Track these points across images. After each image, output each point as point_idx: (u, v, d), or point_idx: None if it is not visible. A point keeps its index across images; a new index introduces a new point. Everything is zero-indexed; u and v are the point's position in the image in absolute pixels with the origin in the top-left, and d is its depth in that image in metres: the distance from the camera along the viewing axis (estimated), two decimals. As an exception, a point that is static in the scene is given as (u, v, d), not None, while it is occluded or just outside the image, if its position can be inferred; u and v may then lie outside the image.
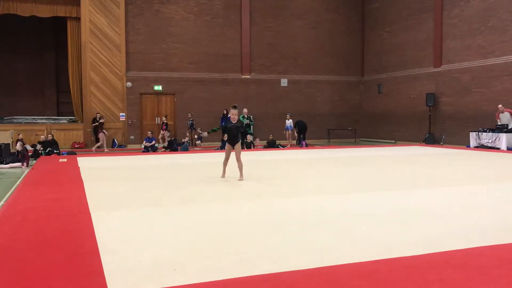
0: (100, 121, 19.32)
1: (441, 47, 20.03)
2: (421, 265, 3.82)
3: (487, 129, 16.96)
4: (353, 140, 24.04)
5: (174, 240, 4.73)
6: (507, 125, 16.31)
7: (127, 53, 21.12)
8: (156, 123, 21.64)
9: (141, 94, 21.63)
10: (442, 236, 4.75)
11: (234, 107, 9.18)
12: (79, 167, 11.67)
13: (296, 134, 20.77)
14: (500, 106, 16.51)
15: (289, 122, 20.72)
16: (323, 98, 24.37)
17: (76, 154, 16.63)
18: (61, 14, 20.74)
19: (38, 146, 16.26)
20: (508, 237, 4.63)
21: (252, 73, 23.11)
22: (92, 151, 18.08)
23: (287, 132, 20.78)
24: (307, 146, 19.83)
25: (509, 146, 15.91)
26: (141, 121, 21.57)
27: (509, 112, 16.33)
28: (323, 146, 20.59)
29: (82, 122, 20.94)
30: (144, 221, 5.59)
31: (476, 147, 16.91)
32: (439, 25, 20.03)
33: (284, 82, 23.66)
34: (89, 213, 5.98)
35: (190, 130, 20.38)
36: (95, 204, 6.60)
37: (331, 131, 23.91)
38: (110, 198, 7.31)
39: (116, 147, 20.24)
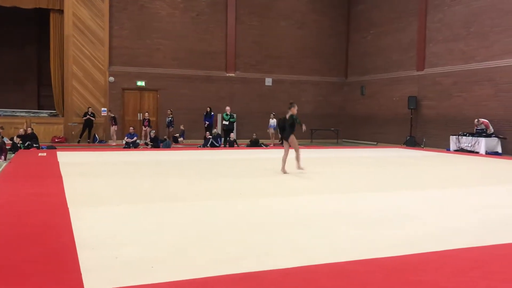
0: (112, 115, 19.73)
1: (424, 51, 20.27)
2: (399, 266, 3.85)
3: (467, 133, 17.22)
4: (336, 141, 24.18)
5: (155, 237, 4.68)
6: (486, 129, 16.58)
7: (110, 47, 20.89)
8: (138, 119, 21.45)
9: (124, 89, 21.42)
10: (421, 238, 4.79)
11: (291, 104, 9.89)
12: (58, 162, 11.49)
13: (279, 134, 20.77)
14: (476, 120, 16.78)
15: (273, 122, 20.73)
16: (307, 98, 24.44)
17: (56, 148, 16.39)
18: (43, 6, 20.40)
19: (17, 139, 15.98)
20: (483, 239, 4.70)
21: (237, 72, 23.07)
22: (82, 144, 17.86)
23: (270, 131, 20.80)
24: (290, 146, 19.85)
25: (488, 151, 16.18)
26: (123, 116, 21.36)
27: (485, 123, 16.61)
28: (305, 146, 20.66)
29: (63, 116, 20.65)
30: (124, 218, 5.53)
31: (456, 151, 17.16)
32: (423, 29, 20.26)
33: (268, 81, 23.68)
34: (68, 209, 5.89)
35: (168, 127, 20.20)
36: (73, 200, 6.51)
37: (314, 132, 23.99)
38: (90, 194, 7.21)
39: (97, 142, 20.01)
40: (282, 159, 9.93)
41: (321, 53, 24.61)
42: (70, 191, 7.23)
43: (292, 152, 9.94)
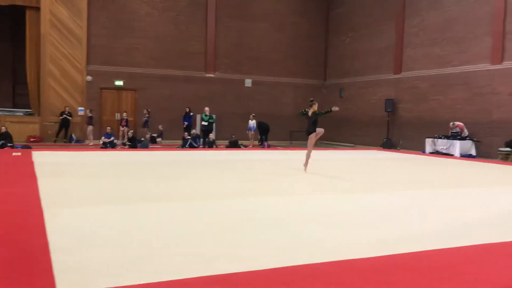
0: (90, 114, 19.41)
1: (401, 54, 20.57)
2: (371, 267, 3.91)
3: (442, 135, 17.55)
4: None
5: (130, 239, 4.66)
6: (461, 132, 16.92)
7: (88, 46, 20.65)
8: (116, 119, 21.24)
9: (102, 88, 21.20)
10: (394, 239, 4.88)
11: (311, 101, 10.28)
12: (33, 162, 11.31)
13: (259, 135, 20.88)
14: (451, 123, 17.12)
15: (253, 123, 20.77)
16: (287, 100, 24.56)
17: (31, 148, 16.11)
18: (19, 3, 20.07)
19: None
20: (453, 241, 4.81)
21: (216, 72, 23.05)
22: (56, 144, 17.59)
23: (249, 132, 20.83)
24: (269, 147, 19.95)
25: (463, 153, 16.51)
26: (100, 116, 21.12)
27: (460, 127, 16.95)
28: (285, 147, 20.76)
29: (39, 115, 20.31)
30: (99, 219, 5.48)
31: (432, 153, 17.47)
32: (400, 34, 20.57)
33: (248, 82, 23.72)
34: (42, 210, 5.81)
35: (143, 127, 20.03)
36: (48, 201, 6.42)
37: (293, 133, 24.11)
38: (65, 194, 7.12)
39: (74, 142, 19.74)
40: (306, 155, 10.26)
41: (301, 55, 24.76)
42: (45, 191, 7.12)
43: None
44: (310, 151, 10.35)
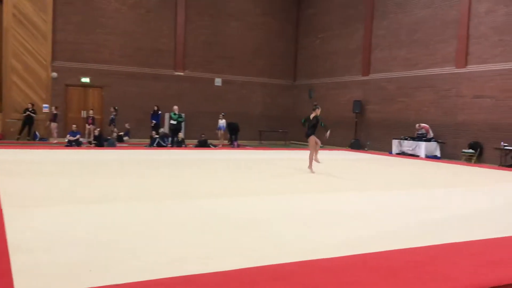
0: (55, 112, 18.93)
1: (369, 56, 20.87)
2: (338, 267, 3.92)
3: (409, 137, 17.89)
4: (284, 142, 24.44)
5: (94, 239, 4.53)
6: (426, 134, 17.29)
7: (54, 42, 20.13)
8: (82, 116, 20.78)
9: (67, 85, 20.69)
10: (362, 239, 4.91)
11: (315, 105, 10.67)
12: (-6, 160, 10.93)
13: (228, 135, 20.81)
14: (417, 125, 17.48)
15: (222, 122, 20.68)
16: (256, 99, 24.59)
17: (-8, 145, 15.58)
18: (-20, -4, 19.39)
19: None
20: (418, 241, 4.88)
21: (186, 71, 22.85)
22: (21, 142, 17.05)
23: (219, 132, 20.72)
24: (238, 146, 19.90)
25: (428, 154, 16.87)
26: (66, 114, 20.61)
27: (425, 128, 17.33)
28: (254, 147, 20.76)
29: (1, 112, 19.66)
30: (62, 219, 5.32)
31: (398, 154, 17.78)
32: (369, 36, 20.86)
33: (218, 81, 23.61)
34: (1, 209, 5.60)
35: (110, 125, 19.63)
36: (8, 200, 6.20)
37: (263, 133, 24.15)
38: (26, 194, 6.89)
39: (38, 140, 19.19)
40: (309, 158, 10.42)
41: (271, 55, 24.82)
42: (5, 190, 6.88)
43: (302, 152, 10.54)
44: (313, 153, 10.57)
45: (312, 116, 10.45)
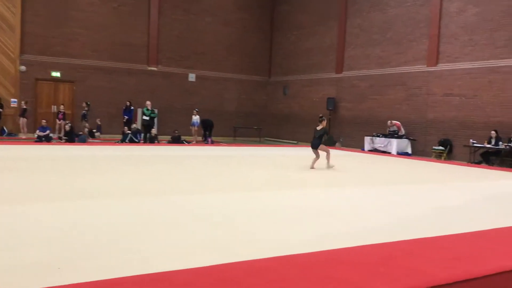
0: (24, 106, 18.43)
1: (343, 54, 21.05)
2: (314, 262, 3.92)
3: (380, 134, 18.13)
4: (258, 139, 24.45)
5: (63, 237, 4.41)
6: (398, 131, 17.55)
7: (22, 34, 19.60)
8: (52, 111, 20.31)
9: (37, 79, 20.19)
10: (335, 234, 4.93)
11: (321, 117, 11.41)
12: (-42, 155, 10.57)
13: (202, 131, 20.67)
14: (389, 122, 17.73)
15: (196, 118, 20.52)
16: (231, 96, 24.50)
17: (-43, 140, 15.07)
18: None
19: None
20: (390, 236, 4.93)
21: (159, 66, 22.59)
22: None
23: (193, 128, 20.56)
24: (212, 142, 19.80)
25: (399, 151, 17.13)
26: (35, 108, 20.12)
27: (397, 125, 17.60)
28: (229, 143, 20.68)
29: (-34, 106, 19.04)
30: (30, 217, 5.17)
31: (370, 151, 18.01)
32: (342, 33, 21.03)
33: (192, 77, 23.42)
34: (-35, 206, 5.41)
35: (82, 120, 19.21)
36: (-27, 196, 5.99)
37: (237, 129, 24.10)
38: (-8, 190, 6.68)
39: (5, 135, 18.67)
40: (313, 161, 11.15)
41: (246, 51, 24.76)
42: (-30, 187, 6.66)
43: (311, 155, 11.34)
44: (317, 158, 11.22)
45: (319, 127, 11.22)
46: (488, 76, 15.42)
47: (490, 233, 5.35)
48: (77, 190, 7.02)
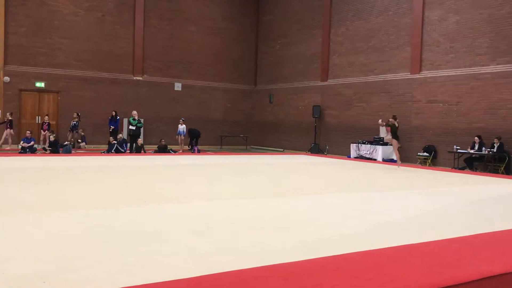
0: (10, 118, 18.25)
1: (327, 62, 21.23)
2: (299, 271, 3.93)
3: (366, 141, 18.27)
4: (245, 147, 24.47)
5: (45, 249, 4.36)
6: (383, 138, 17.68)
7: (5, 45, 19.44)
8: (37, 122, 20.12)
9: (21, 90, 20.01)
10: (319, 242, 4.95)
11: (394, 116, 14.52)
12: None
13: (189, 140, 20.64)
14: (380, 120, 17.85)
15: (182, 127, 20.49)
16: (217, 104, 24.52)
17: None
18: None
19: None
20: (376, 243, 4.96)
21: (145, 75, 22.54)
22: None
23: (179, 137, 20.51)
24: (199, 152, 19.76)
25: (385, 158, 17.27)
26: (19, 119, 19.91)
27: (387, 129, 17.70)
28: (215, 152, 20.66)
29: None
30: (10, 229, 5.11)
31: (356, 158, 18.12)
32: (327, 42, 21.22)
33: (177, 86, 23.40)
34: None
35: (71, 131, 19.03)
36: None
37: (224, 138, 24.10)
38: (-25, 203, 6.58)
39: (-11, 147, 18.43)
40: (396, 155, 14.81)
41: (231, 60, 24.84)
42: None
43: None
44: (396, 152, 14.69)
45: (396, 123, 14.21)
46: (470, 82, 15.67)
47: (472, 238, 5.42)
48: (55, 201, 6.94)
